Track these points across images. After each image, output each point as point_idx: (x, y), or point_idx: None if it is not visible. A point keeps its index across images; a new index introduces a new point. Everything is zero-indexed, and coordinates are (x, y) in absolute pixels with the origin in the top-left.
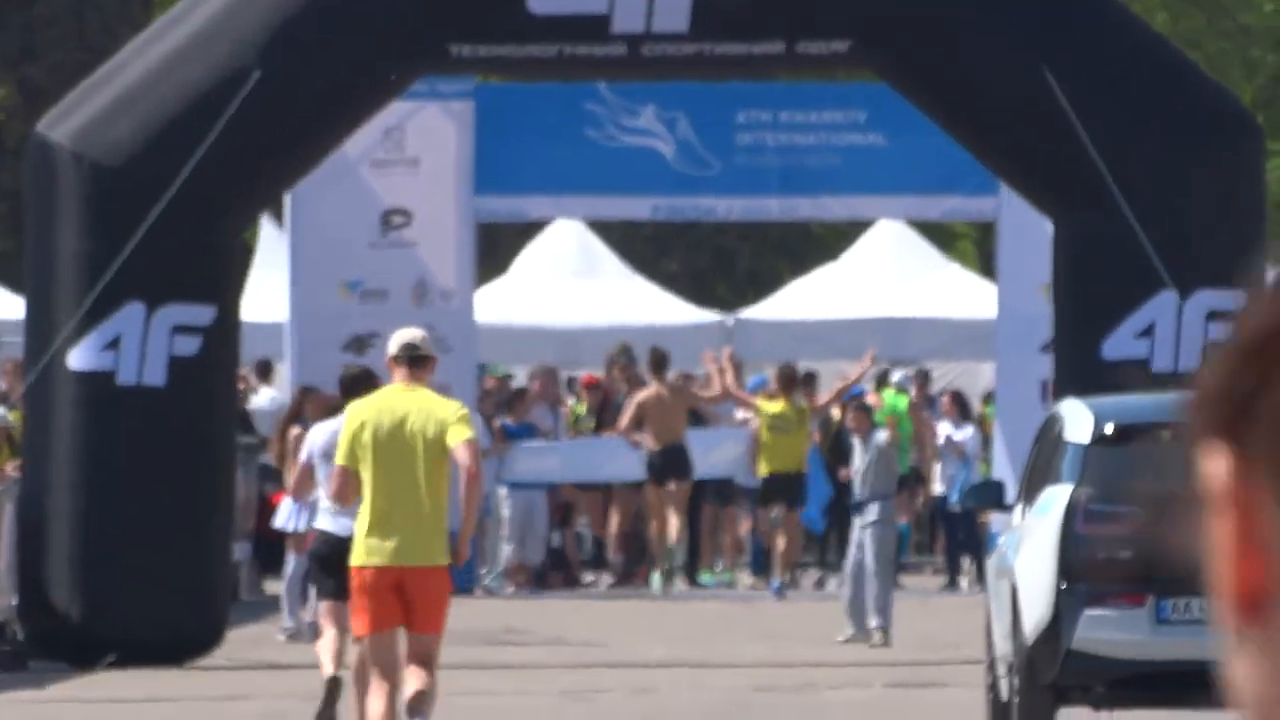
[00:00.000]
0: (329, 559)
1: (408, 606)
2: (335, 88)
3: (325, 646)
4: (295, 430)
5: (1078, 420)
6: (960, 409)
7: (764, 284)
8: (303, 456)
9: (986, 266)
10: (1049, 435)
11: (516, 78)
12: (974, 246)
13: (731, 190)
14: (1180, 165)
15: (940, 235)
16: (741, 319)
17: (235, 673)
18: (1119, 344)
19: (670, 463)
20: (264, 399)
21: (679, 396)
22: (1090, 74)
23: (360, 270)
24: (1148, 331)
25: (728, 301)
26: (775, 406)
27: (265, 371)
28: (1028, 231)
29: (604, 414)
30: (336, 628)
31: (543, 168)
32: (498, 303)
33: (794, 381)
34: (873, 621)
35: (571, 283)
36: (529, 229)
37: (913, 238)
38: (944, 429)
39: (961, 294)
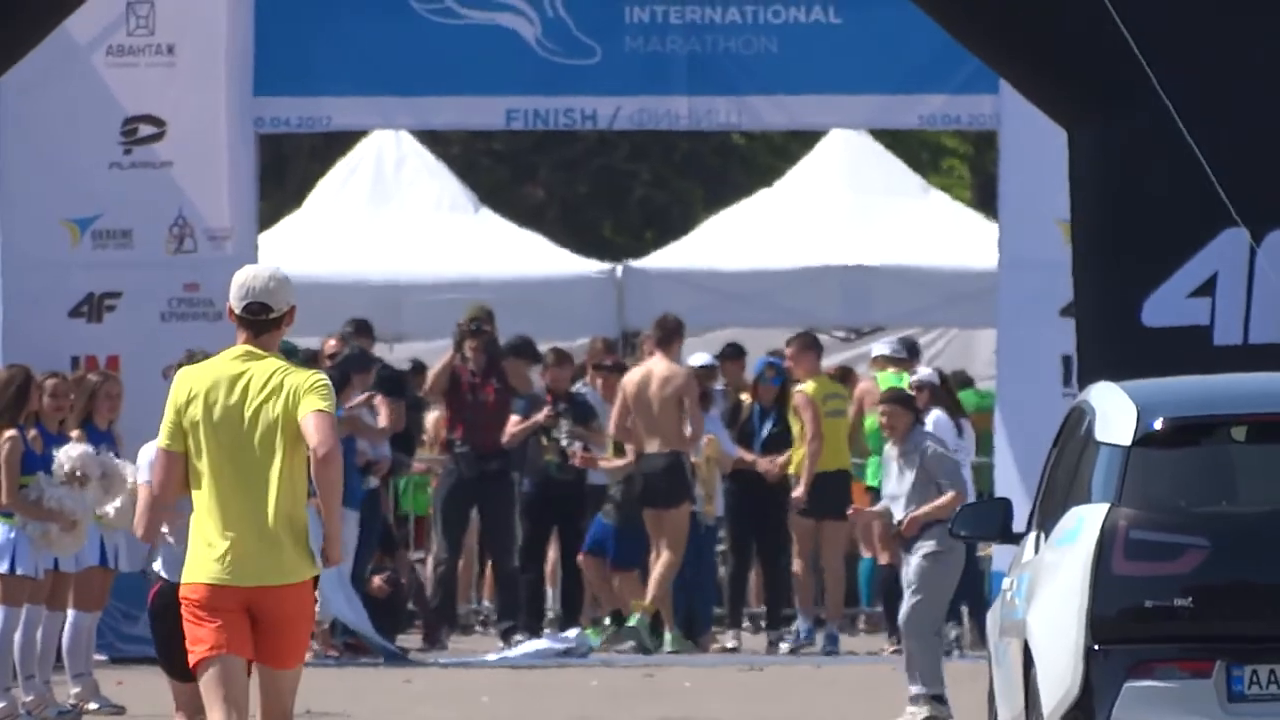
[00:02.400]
0: (176, 614)
1: (258, 634)
2: None
3: None
4: (6, 434)
5: (1114, 413)
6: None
7: (667, 221)
8: (139, 475)
9: (983, 195)
10: (1074, 434)
11: None
12: (966, 167)
13: (620, 87)
14: (1252, 44)
15: (918, 151)
16: (635, 269)
17: None
18: (1167, 305)
19: (664, 476)
20: None
21: (684, 389)
22: None
23: (94, 202)
24: (1207, 287)
25: (616, 245)
26: (820, 381)
27: None
28: (1042, 145)
29: (460, 412)
30: (188, 717)
31: (351, 56)
32: (290, 248)
33: (818, 346)
34: (915, 688)
35: (394, 220)
36: (333, 144)
37: (879, 155)
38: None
39: (948, 234)
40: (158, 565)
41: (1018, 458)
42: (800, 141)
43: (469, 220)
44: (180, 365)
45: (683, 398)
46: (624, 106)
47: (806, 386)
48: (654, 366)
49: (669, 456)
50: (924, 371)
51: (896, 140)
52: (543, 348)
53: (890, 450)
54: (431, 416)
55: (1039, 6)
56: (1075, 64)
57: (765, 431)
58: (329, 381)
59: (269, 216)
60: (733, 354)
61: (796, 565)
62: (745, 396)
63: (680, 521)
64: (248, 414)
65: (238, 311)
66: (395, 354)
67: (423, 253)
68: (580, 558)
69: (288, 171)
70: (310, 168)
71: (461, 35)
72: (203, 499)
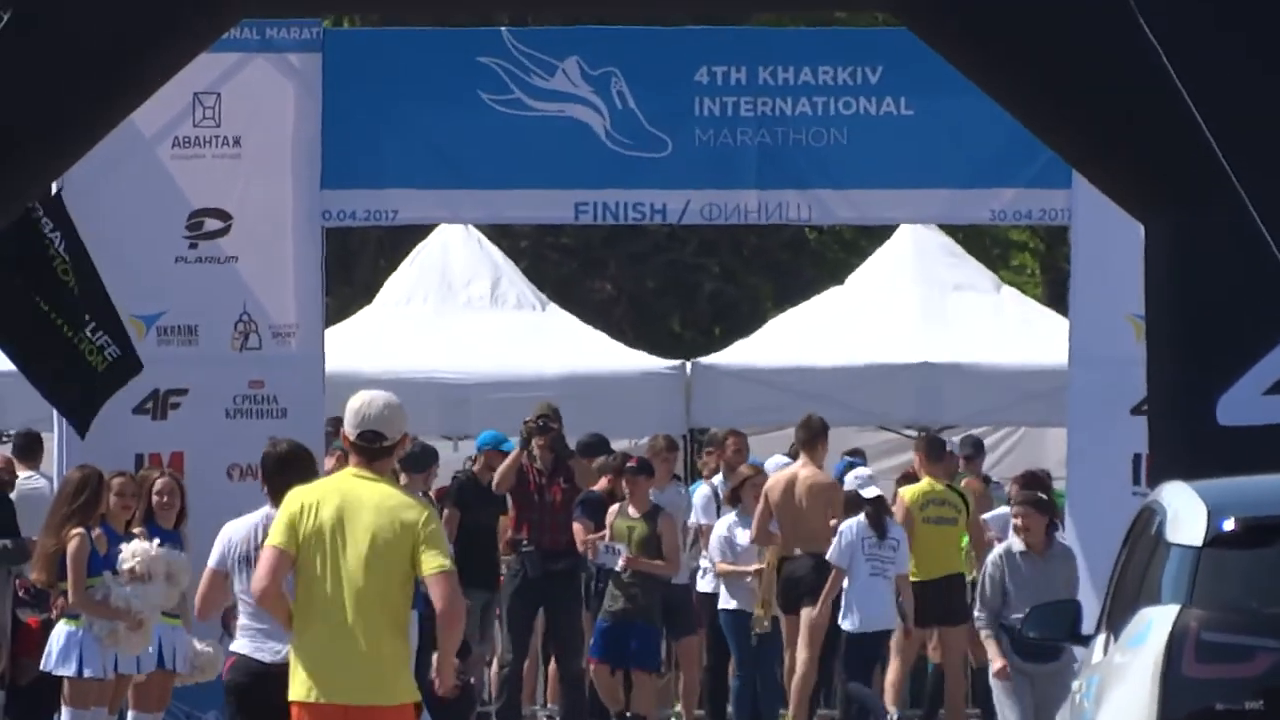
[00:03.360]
0: (251, 693)
1: None
2: (118, 32)
3: None
4: (74, 533)
5: (1185, 513)
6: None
7: (736, 317)
8: (213, 560)
9: (1055, 291)
10: (1144, 534)
11: (382, 19)
12: (1037, 262)
13: (689, 180)
14: None
15: (989, 246)
16: (704, 366)
17: None
18: (1242, 403)
19: (812, 578)
20: (34, 484)
21: (830, 493)
22: (1198, 7)
23: (159, 298)
24: None
25: (685, 341)
26: (922, 486)
27: (30, 449)
28: (1115, 241)
29: (527, 511)
30: None
31: (418, 149)
32: (357, 344)
33: (943, 450)
34: None
35: (461, 315)
36: (400, 238)
37: (950, 250)
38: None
39: (1019, 331)
40: (237, 644)
41: (1087, 558)
42: (870, 236)
43: (536, 316)
44: (266, 455)
45: (828, 503)
46: (693, 200)
47: (905, 490)
48: (799, 470)
49: (815, 559)
50: (857, 475)
51: (967, 235)
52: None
53: (1014, 556)
54: None
55: (1115, 98)
56: (1152, 156)
57: None
58: (437, 520)
59: (335, 312)
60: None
61: (892, 672)
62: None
63: (822, 623)
64: (361, 538)
65: (352, 439)
66: (461, 452)
67: (490, 349)
68: (593, 665)
69: (355, 266)
70: (377, 262)
71: (530, 127)
72: (308, 614)
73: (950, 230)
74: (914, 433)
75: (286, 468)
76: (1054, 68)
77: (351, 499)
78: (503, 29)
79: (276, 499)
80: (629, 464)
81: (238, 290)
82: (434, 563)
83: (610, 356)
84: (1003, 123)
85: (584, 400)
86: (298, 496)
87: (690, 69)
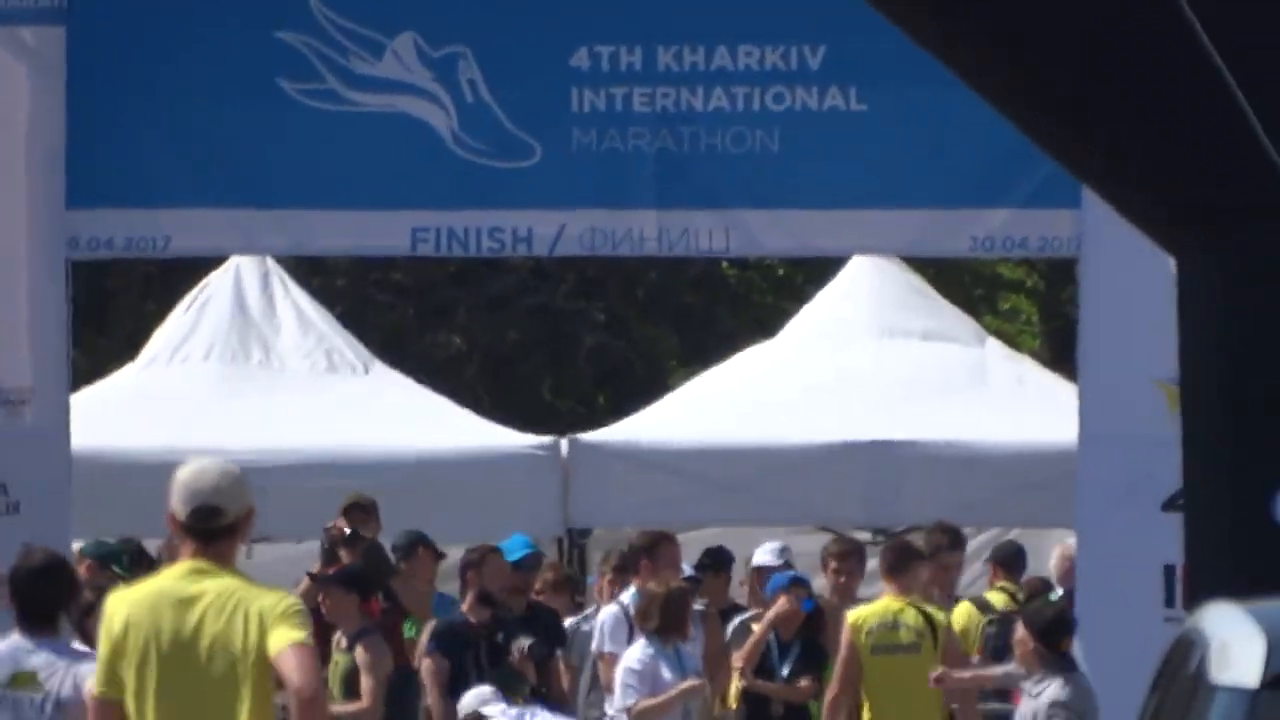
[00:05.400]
0: None
1: None
2: None
3: None
4: None
5: (1236, 644)
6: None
7: (628, 380)
8: None
9: (1059, 344)
10: (1180, 672)
11: None
12: (1035, 307)
13: (564, 198)
14: None
15: (970, 287)
16: (585, 444)
17: None
18: None
19: None
20: None
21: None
22: None
23: None
24: None
25: (558, 413)
26: (875, 605)
27: None
28: (1140, 279)
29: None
30: None
31: (199, 156)
32: (114, 415)
33: (912, 559)
34: None
35: (254, 378)
36: (174, 275)
37: (917, 292)
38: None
39: (1010, 399)
40: None
41: (1104, 701)
42: (809, 273)
43: (357, 379)
44: (16, 569)
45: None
46: (570, 224)
47: (855, 612)
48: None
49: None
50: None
51: (941, 272)
52: (456, 552)
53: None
54: None
55: (1143, 92)
56: (1189, 169)
57: (785, 672)
58: (302, 605)
59: (86, 372)
60: (715, 564)
61: None
62: (755, 626)
63: None
64: (201, 648)
65: (182, 518)
66: (255, 559)
67: (293, 423)
68: None
69: (112, 311)
70: (143, 307)
71: (349, 127)
72: None
73: (919, 265)
74: (866, 535)
75: (42, 584)
76: (1059, 50)
77: (187, 600)
78: None
79: (29, 625)
80: (311, 571)
81: None
82: (285, 638)
83: (458, 432)
84: (990, 122)
85: (419, 492)
86: (119, 609)
87: (566, 48)
